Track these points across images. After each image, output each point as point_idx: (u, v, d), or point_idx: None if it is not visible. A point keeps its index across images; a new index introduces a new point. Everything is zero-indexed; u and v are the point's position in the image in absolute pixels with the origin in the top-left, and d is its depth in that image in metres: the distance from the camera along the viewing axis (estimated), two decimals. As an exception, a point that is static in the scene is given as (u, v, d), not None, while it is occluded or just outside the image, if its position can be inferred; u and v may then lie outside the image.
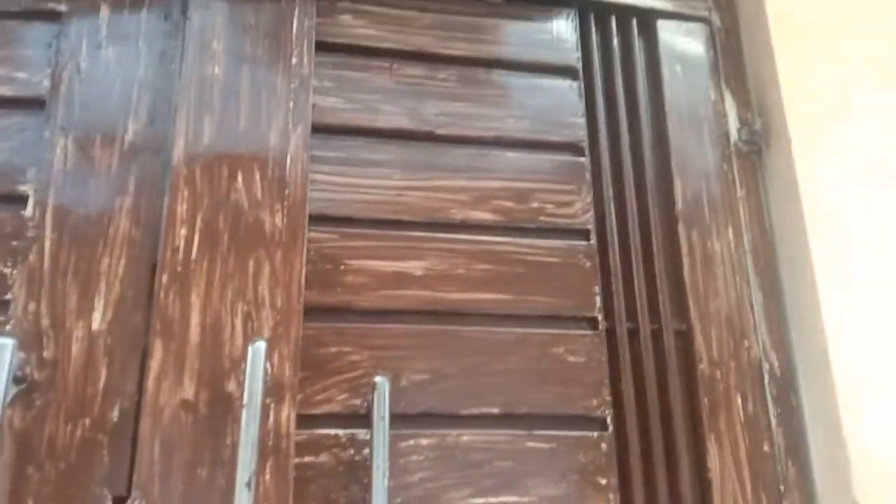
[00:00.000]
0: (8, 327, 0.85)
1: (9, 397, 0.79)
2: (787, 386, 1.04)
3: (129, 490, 0.81)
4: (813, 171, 1.07)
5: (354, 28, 1.10)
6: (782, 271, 1.09)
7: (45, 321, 0.86)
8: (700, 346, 1.03)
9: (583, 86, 1.14)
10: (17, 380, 0.81)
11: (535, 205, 1.05)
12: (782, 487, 0.99)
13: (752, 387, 1.03)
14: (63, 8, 1.01)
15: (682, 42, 1.19)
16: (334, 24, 1.08)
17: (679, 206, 1.09)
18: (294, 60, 1.02)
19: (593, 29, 1.19)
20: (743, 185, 1.12)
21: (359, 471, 0.88)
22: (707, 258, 1.07)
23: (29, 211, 0.91)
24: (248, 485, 0.76)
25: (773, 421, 1.02)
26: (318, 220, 0.98)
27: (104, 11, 1.01)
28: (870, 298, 1.01)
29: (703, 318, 1.05)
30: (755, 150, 1.14)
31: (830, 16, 1.18)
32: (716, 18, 1.22)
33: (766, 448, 1.00)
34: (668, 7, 1.20)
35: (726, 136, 1.14)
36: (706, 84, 1.17)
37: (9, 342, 0.79)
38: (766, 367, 1.04)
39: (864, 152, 1.08)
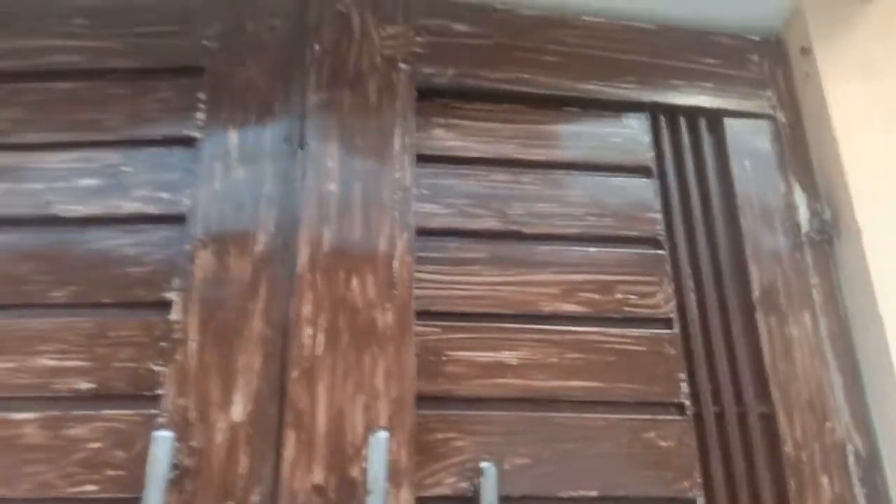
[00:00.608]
0: (161, 419, 0.97)
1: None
2: (871, 467, 1.08)
3: (270, 568, 0.90)
4: (884, 257, 1.13)
5: (446, 141, 1.22)
6: (860, 355, 1.14)
7: (193, 414, 0.98)
8: (784, 428, 1.09)
9: (658, 183, 1.24)
10: (171, 466, 0.92)
11: (619, 296, 1.14)
12: (874, 567, 1.02)
13: (837, 468, 1.07)
14: (198, 135, 1.16)
15: (750, 138, 1.28)
16: (429, 138, 1.21)
17: (756, 293, 1.16)
18: (397, 175, 1.15)
19: (664, 130, 1.29)
20: (816, 272, 1.19)
21: (471, 550, 0.96)
22: (786, 343, 1.14)
23: (174, 315, 1.04)
24: (378, 564, 0.85)
25: (861, 502, 1.06)
26: (423, 315, 1.09)
27: (233, 136, 1.16)
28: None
29: (785, 400, 1.10)
30: (826, 239, 1.21)
31: (891, 102, 1.26)
32: (780, 115, 1.31)
33: (854, 528, 1.04)
34: (735, 107, 1.30)
35: (797, 225, 1.22)
36: (775, 177, 1.26)
37: (169, 435, 0.91)
38: (850, 448, 1.09)
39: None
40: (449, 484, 1.00)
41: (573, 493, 1.01)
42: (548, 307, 1.12)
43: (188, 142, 1.16)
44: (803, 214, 1.22)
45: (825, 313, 1.17)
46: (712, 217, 1.22)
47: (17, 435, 0.99)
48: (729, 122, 1.29)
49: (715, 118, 1.29)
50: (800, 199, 1.23)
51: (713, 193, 1.24)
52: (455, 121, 1.23)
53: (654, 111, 1.29)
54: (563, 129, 1.26)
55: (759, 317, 1.15)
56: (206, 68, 1.20)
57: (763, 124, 1.30)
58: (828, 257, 1.21)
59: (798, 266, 1.19)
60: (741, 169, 1.25)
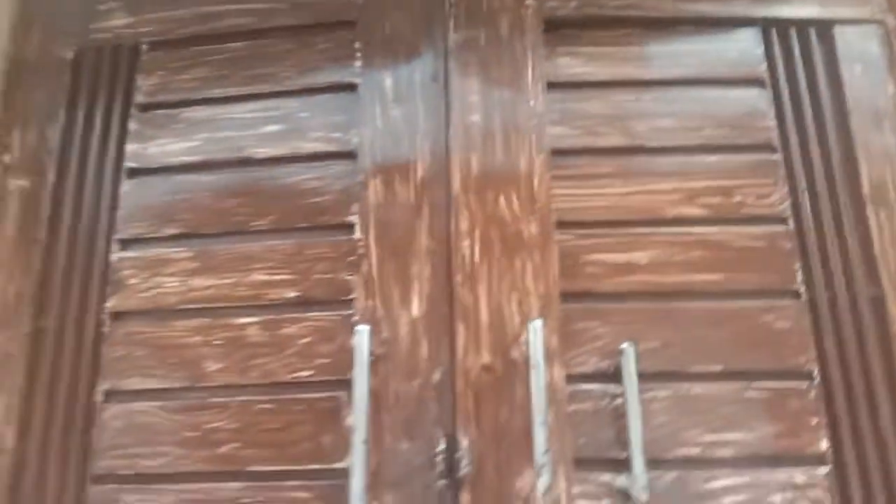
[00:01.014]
0: (355, 318, 1.20)
1: (368, 366, 1.14)
2: (977, 340, 1.20)
3: (454, 428, 1.13)
4: None
5: (572, 67, 1.37)
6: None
7: (380, 312, 1.21)
8: (892, 309, 1.22)
9: (770, 93, 1.34)
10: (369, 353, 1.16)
11: (737, 199, 1.28)
12: (977, 425, 1.15)
13: (944, 342, 1.20)
14: (357, 80, 1.36)
15: (859, 44, 1.36)
16: (557, 67, 1.36)
17: (866, 189, 1.27)
18: (531, 102, 1.31)
19: (775, 42, 1.38)
20: (924, 166, 1.28)
21: (614, 415, 1.16)
22: (894, 233, 1.25)
23: (357, 234, 1.26)
24: (544, 423, 1.06)
25: (966, 370, 1.18)
26: (562, 224, 1.26)
27: (387, 79, 1.35)
28: None
29: (894, 284, 1.23)
30: (935, 135, 1.29)
31: None
32: (889, 19, 1.37)
33: (960, 393, 1.17)
34: (844, 15, 1.38)
35: (905, 125, 1.31)
36: (884, 79, 1.34)
37: (366, 328, 1.14)
38: (955, 323, 1.21)
39: None
40: (592, 363, 1.19)
41: (700, 369, 1.19)
42: (672, 212, 1.27)
43: (350, 87, 1.36)
44: (911, 114, 1.31)
45: (932, 204, 1.26)
46: (823, 121, 1.32)
47: (243, 335, 1.25)
48: (839, 30, 1.36)
49: (825, 27, 1.37)
50: (907, 99, 1.31)
51: (824, 99, 1.34)
52: (579, 48, 1.37)
53: (766, 25, 1.38)
54: (679, 47, 1.38)
55: (870, 210, 1.26)
56: (357, 21, 1.38)
57: (872, 29, 1.37)
58: (934, 152, 1.29)
59: None
60: (851, 74, 1.33)
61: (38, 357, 1.28)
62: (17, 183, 1.37)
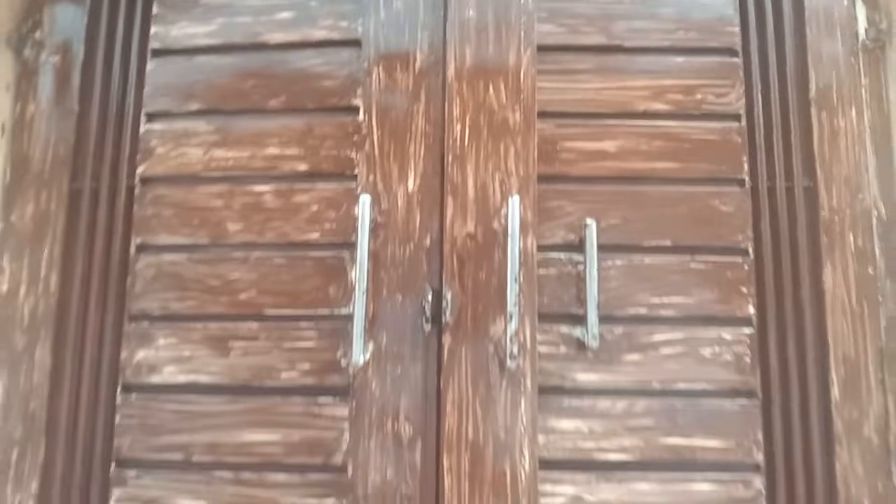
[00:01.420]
0: (359, 190, 1.39)
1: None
2: (890, 227, 1.40)
3: (440, 284, 1.34)
4: (926, 61, 1.38)
5: (561, -31, 1.49)
6: (895, 141, 1.42)
7: (380, 185, 1.39)
8: (823, 197, 1.41)
9: (738, 2, 1.48)
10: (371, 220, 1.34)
11: (698, 97, 1.44)
12: (880, 297, 1.38)
13: (862, 228, 1.40)
14: (363, -27, 1.48)
15: (823, -43, 1.49)
16: (546, -32, 1.49)
17: (812, 92, 1.44)
18: (522, 0, 1.45)
19: (747, -48, 1.51)
20: (867, 74, 1.45)
21: (576, 279, 1.36)
22: (833, 132, 1.43)
23: (361, 116, 1.42)
24: (516, 280, 1.27)
25: (878, 252, 1.39)
26: (543, 114, 1.43)
27: (390, -26, 1.48)
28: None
29: (826, 177, 1.42)
30: (880, 46, 1.45)
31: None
32: (853, -66, 1.50)
33: (870, 271, 1.39)
34: (812, -71, 1.50)
35: (856, 35, 1.46)
36: (842, -8, 1.48)
37: (367, 197, 1.32)
38: (874, 213, 1.41)
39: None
40: (560, 235, 1.39)
41: (652, 243, 1.39)
42: (641, 107, 1.44)
43: (358, -21, 1.48)
44: (862, 24, 1.46)
45: (870, 108, 1.44)
46: (783, 29, 1.47)
47: (260, 201, 1.43)
48: (804, -57, 1.49)
49: (792, -60, 1.50)
50: (860, 11, 1.46)
51: (785, 8, 1.48)
52: (567, -48, 1.49)
53: (738, -65, 1.50)
54: (659, -46, 1.50)
55: (813, 111, 1.43)
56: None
57: (836, -57, 1.49)
58: (879, 62, 1.46)
59: (851, 69, 1.45)
60: (812, -15, 1.47)
61: (77, 214, 1.46)
62: (51, 58, 1.50)
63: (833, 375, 1.35)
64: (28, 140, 1.49)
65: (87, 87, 1.50)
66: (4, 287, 1.43)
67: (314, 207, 1.41)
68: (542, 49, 1.44)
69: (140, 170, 1.45)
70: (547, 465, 1.31)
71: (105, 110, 1.49)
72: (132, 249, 1.43)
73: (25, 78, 1.50)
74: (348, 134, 1.42)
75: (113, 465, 1.36)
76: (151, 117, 1.47)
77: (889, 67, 1.44)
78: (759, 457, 1.32)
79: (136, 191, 1.45)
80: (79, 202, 1.46)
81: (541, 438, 1.32)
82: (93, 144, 1.48)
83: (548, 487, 1.31)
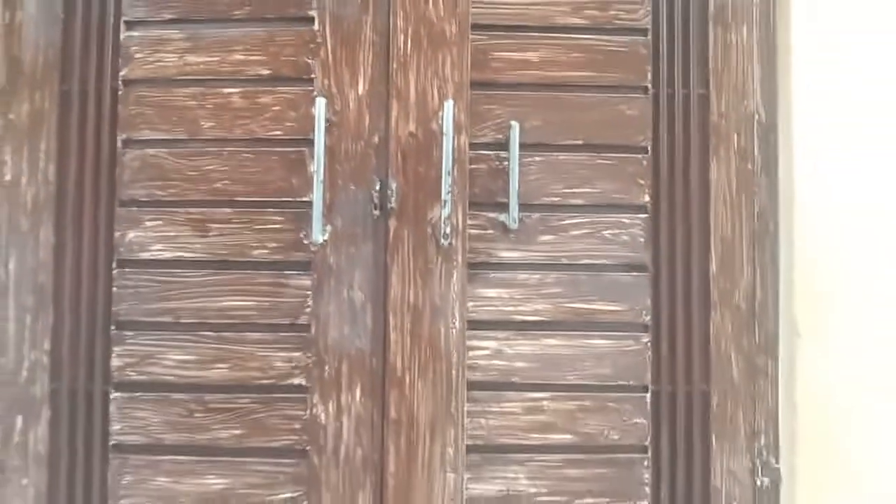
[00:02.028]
0: (315, 93, 1.60)
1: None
2: (769, 129, 1.66)
3: (386, 176, 1.59)
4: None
5: None
6: (779, 57, 1.66)
7: (334, 89, 1.61)
8: (714, 103, 1.66)
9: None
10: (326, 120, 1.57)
11: (612, 12, 1.65)
12: (756, 189, 1.65)
13: (745, 130, 1.66)
14: None
15: None
16: None
17: (711, 11, 1.66)
18: (459, -79, 1.63)
19: None
20: (758, -5, 1.66)
21: (501, 173, 1.61)
22: (726, 46, 1.66)
23: (316, 26, 1.63)
24: (449, 173, 1.52)
25: (756, 150, 1.66)
26: (476, 27, 1.63)
27: None
28: (831, 77, 1.58)
29: (718, 86, 1.66)
30: (771, -31, 1.66)
31: None
32: None
33: (749, 167, 1.66)
34: None
35: (751, -41, 1.67)
36: (744, -82, 1.67)
37: (322, 100, 1.55)
38: (756, 117, 1.66)
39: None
40: (489, 135, 1.63)
41: (566, 142, 1.64)
42: (561, 21, 1.65)
43: None
44: (757, -51, 1.66)
45: (759, 25, 1.66)
46: (690, -49, 1.67)
47: (229, 101, 1.64)
48: None
49: None
50: (756, -63, 1.66)
51: (692, -66, 1.68)
52: None
53: None
54: None
55: (711, 28, 1.65)
56: None
57: None
58: (770, -17, 1.67)
59: None
60: (717, -88, 1.66)
61: (68, 113, 1.66)
62: (33, -33, 1.66)
63: (712, 253, 1.65)
64: (18, 45, 1.67)
65: (69, -4, 1.67)
66: (8, 177, 1.65)
67: (276, 108, 1.63)
68: (477, -33, 1.63)
69: (122, 73, 1.65)
70: (474, 325, 1.61)
71: (88, 18, 1.66)
72: (119, 144, 1.65)
73: (11, -14, 1.67)
74: (305, 42, 1.63)
75: (113, 327, 1.63)
76: (130, 25, 1.65)
77: (778, -12, 1.66)
78: (647, 318, 1.63)
79: (120, 92, 1.65)
80: (69, 102, 1.66)
81: (469, 304, 1.61)
82: (79, 49, 1.67)
83: (475, 343, 1.61)
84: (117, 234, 1.63)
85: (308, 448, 1.59)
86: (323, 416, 1.59)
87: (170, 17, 1.64)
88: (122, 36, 1.65)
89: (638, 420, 1.62)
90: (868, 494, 1.55)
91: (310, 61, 1.62)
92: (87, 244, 1.65)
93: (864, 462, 1.56)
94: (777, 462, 1.63)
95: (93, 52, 1.66)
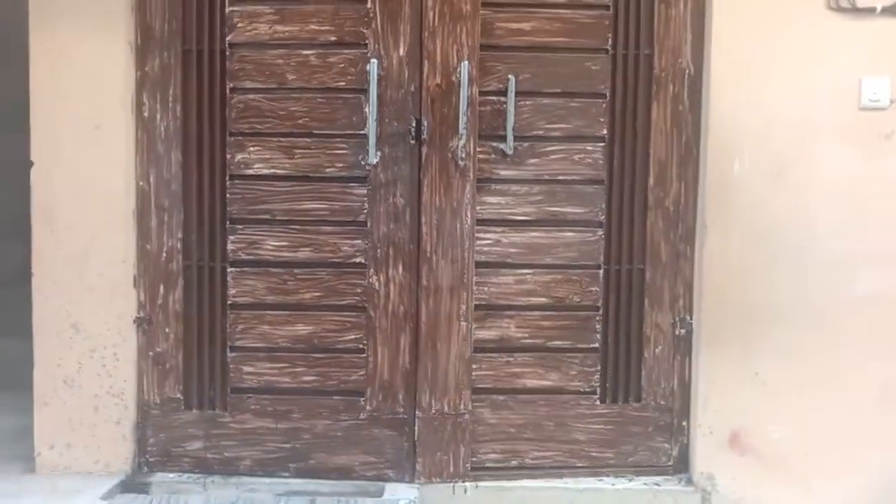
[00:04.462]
0: (369, 55, 2.25)
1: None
2: (695, 79, 2.30)
3: (420, 115, 2.26)
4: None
5: None
6: (704, 26, 2.28)
7: (382, 52, 2.25)
8: (656, 61, 2.30)
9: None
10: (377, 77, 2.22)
11: (585, -5, 2.28)
12: (684, 124, 2.31)
13: (678, 80, 2.30)
14: None
15: None
16: None
17: (660, -9, 2.28)
18: (473, -75, 2.23)
19: None
20: (692, -21, 2.27)
21: (502, 113, 2.27)
22: (667, 18, 2.27)
23: (369, 5, 2.26)
24: (464, 114, 2.19)
25: (685, 96, 2.31)
26: (485, 5, 2.25)
27: None
28: (740, 42, 2.21)
29: (660, 48, 2.29)
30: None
31: None
32: None
33: (679, 108, 2.31)
34: None
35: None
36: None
37: (375, 60, 2.20)
38: (687, 71, 2.30)
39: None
40: (493, 86, 2.27)
41: (549, 91, 2.28)
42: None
43: None
44: (692, -54, 2.26)
45: (691, 2, 2.27)
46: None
47: (307, 61, 2.29)
48: None
49: None
50: (693, -64, 2.25)
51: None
52: None
53: None
54: None
55: (656, 4, 2.26)
56: None
57: None
58: (700, -31, 2.27)
59: None
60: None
61: (189, 67, 2.30)
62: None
63: (650, 171, 2.32)
64: (150, 15, 2.30)
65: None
66: (146, 114, 2.32)
67: (341, 65, 2.27)
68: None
69: (228, 38, 2.28)
70: (480, 222, 2.31)
71: (201, -3, 2.29)
72: (227, 91, 2.30)
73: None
74: (361, 17, 2.26)
75: (227, 222, 2.34)
76: (233, 2, 2.28)
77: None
78: (602, 218, 2.33)
79: (227, 52, 2.29)
80: (190, 59, 2.30)
81: (478, 207, 2.30)
82: (195, 20, 2.30)
83: (480, 235, 2.31)
84: (228, 156, 2.31)
85: (366, 305, 2.32)
86: (376, 284, 2.31)
87: (262, -6, 2.27)
88: (227, 10, 2.28)
89: (593, 288, 2.34)
90: (750, 336, 2.28)
91: (364, 31, 2.25)
92: (207, 163, 2.33)
93: (749, 315, 2.28)
94: (691, 319, 2.36)
95: (206, 22, 2.29)
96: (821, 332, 2.25)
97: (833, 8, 2.21)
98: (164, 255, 2.33)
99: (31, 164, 2.28)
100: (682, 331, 2.35)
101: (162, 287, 2.34)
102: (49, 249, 2.29)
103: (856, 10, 2.21)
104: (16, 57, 2.49)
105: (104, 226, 2.30)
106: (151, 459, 2.35)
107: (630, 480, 2.35)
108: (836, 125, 2.24)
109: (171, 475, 2.34)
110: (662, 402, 2.36)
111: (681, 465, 2.37)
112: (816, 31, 2.23)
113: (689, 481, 2.33)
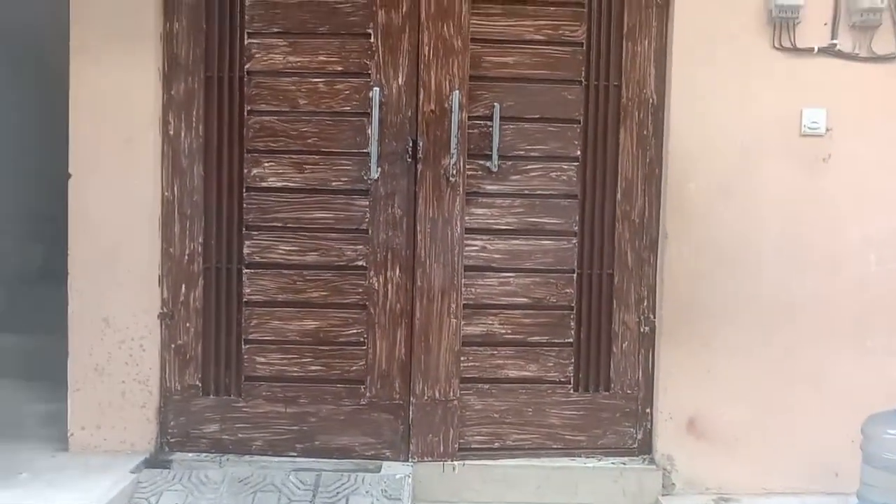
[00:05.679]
0: (372, 83, 2.56)
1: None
2: (658, 108, 2.62)
3: (416, 136, 2.57)
4: None
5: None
6: (667, 56, 2.61)
7: (384, 81, 2.56)
8: (624, 92, 2.62)
9: (590, -28, 2.60)
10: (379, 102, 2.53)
11: (560, 31, 2.58)
12: (648, 147, 2.63)
13: (643, 109, 2.62)
14: (371, -52, 2.55)
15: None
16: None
17: (625, 30, 2.60)
18: (464, -29, 2.55)
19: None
20: (656, 19, 2.60)
21: (488, 136, 2.58)
22: (634, 54, 2.60)
23: (372, 39, 2.57)
24: (455, 136, 2.50)
25: (649, 122, 2.63)
26: (474, 41, 2.57)
27: (388, -50, 2.55)
28: (697, 75, 2.55)
29: (627, 80, 2.60)
30: (665, 3, 2.60)
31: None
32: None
33: (644, 132, 2.62)
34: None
35: (652, -3, 2.60)
36: (649, -32, 2.59)
37: (377, 88, 2.51)
38: (651, 100, 2.63)
39: None
40: (481, 111, 2.59)
41: (530, 116, 2.59)
42: (528, 36, 2.58)
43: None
44: (655, -8, 2.59)
45: (655, 40, 2.60)
46: (612, -9, 2.60)
47: (316, 87, 2.60)
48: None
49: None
50: (655, -17, 2.58)
51: (616, -22, 2.60)
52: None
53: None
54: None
55: (624, 42, 2.59)
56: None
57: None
58: (664, 11, 2.60)
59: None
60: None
61: (211, 91, 2.60)
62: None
63: (618, 188, 2.64)
64: (177, 44, 2.60)
65: (210, 10, 2.58)
66: (172, 132, 2.61)
67: (347, 92, 2.58)
68: (475, 1, 2.56)
69: (247, 66, 2.59)
70: (469, 231, 2.61)
71: (223, 29, 2.58)
72: (245, 113, 2.60)
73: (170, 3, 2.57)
74: (365, 50, 2.56)
75: (244, 228, 2.63)
76: (251, 35, 2.58)
77: (669, 14, 2.59)
78: (576, 228, 2.64)
79: (245, 79, 2.59)
80: (211, 84, 2.60)
81: (466, 218, 2.61)
82: (217, 49, 2.60)
83: (469, 242, 2.62)
84: (245, 170, 2.61)
85: (367, 303, 2.63)
86: (376, 284, 2.62)
87: (277, 30, 2.57)
88: (245, 42, 2.58)
89: (568, 290, 2.66)
90: (704, 334, 2.61)
91: (368, 63, 2.57)
92: (226, 176, 2.62)
93: (702, 315, 2.60)
94: (654, 317, 2.67)
95: (226, 51, 2.59)
96: (765, 331, 2.57)
97: (777, 48, 2.54)
98: (186, 257, 2.62)
99: (69, 175, 2.56)
100: (646, 328, 2.66)
101: (184, 286, 2.63)
102: (83, 251, 2.57)
103: (797, 50, 2.54)
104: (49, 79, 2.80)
105: (133, 230, 2.58)
106: (172, 440, 2.63)
107: (599, 460, 2.65)
108: (779, 149, 2.57)
109: (190, 454, 2.61)
110: (629, 392, 2.67)
111: (645, 447, 2.67)
112: (763, 68, 2.55)
113: (652, 461, 2.64)
